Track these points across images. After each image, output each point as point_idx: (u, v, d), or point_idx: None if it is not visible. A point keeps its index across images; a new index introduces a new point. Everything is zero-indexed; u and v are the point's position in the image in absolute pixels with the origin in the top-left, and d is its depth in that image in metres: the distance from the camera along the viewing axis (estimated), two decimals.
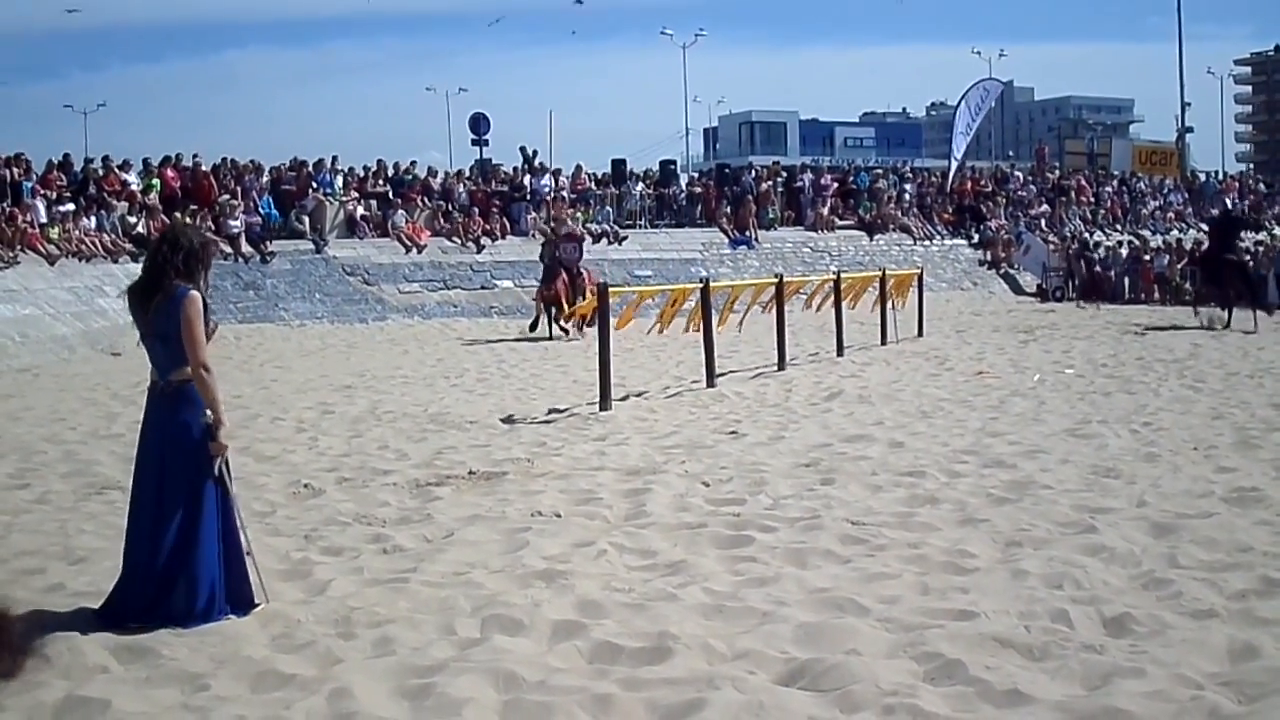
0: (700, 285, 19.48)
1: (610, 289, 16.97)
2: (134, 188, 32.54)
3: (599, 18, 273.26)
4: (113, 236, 30.45)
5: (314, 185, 35.22)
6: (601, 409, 15.29)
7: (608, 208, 39.37)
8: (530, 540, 8.50)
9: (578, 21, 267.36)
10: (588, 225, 37.84)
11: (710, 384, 17.77)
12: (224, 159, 35.49)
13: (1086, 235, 43.77)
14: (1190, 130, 69.09)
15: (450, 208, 36.82)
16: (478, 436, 13.58)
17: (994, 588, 7.14)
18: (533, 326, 28.44)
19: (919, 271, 30.12)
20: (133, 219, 31.18)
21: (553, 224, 33.91)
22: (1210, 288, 27.99)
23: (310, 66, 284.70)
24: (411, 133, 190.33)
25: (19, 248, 27.65)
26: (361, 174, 37.45)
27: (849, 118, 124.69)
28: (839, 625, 6.46)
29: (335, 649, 6.31)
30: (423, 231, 35.52)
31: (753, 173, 44.62)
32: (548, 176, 39.45)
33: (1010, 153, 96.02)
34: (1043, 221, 45.12)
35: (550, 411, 15.44)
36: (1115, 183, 50.91)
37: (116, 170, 32.98)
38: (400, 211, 35.57)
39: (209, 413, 6.75)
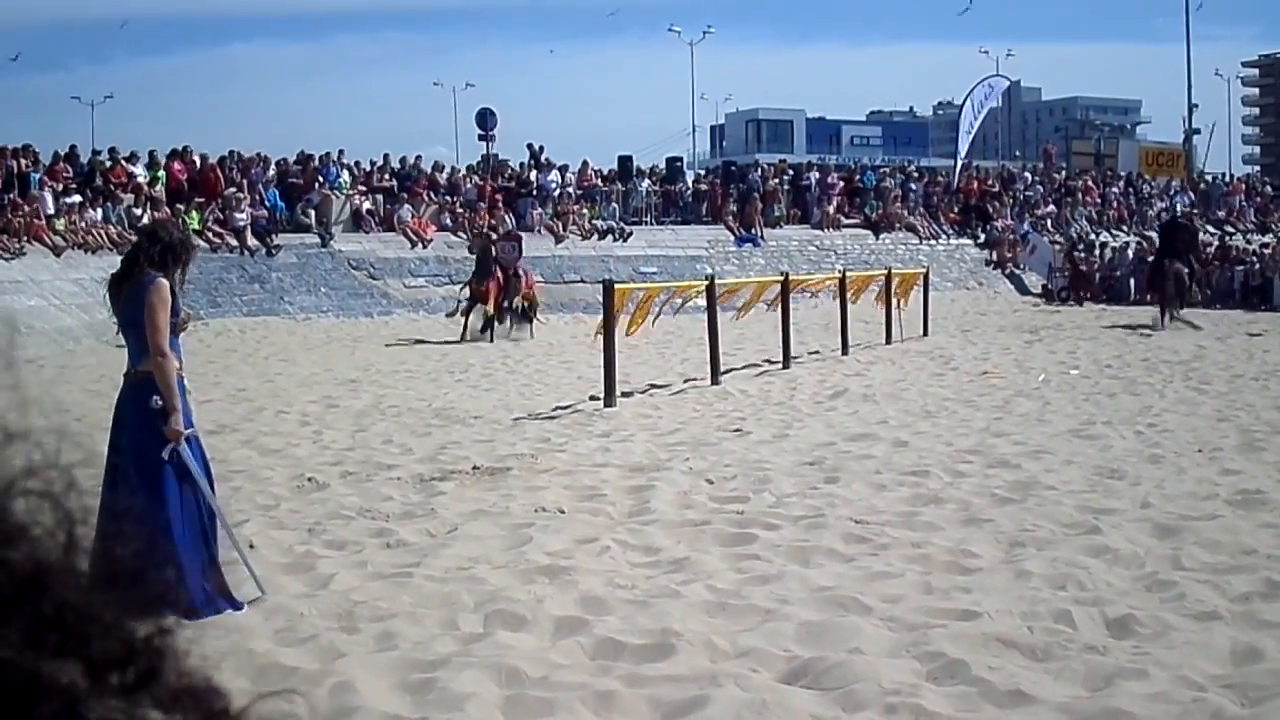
0: (706, 282, 19.48)
1: (616, 286, 16.93)
2: (140, 180, 32.56)
3: (607, 14, 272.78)
4: (119, 228, 30.46)
5: (320, 179, 35.22)
6: (606, 405, 15.29)
7: (614, 204, 39.34)
8: (534, 536, 8.51)
9: (583, 17, 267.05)
10: (594, 221, 37.89)
11: (715, 381, 17.77)
12: (230, 152, 35.53)
13: (1092, 236, 43.71)
14: (1198, 132, 69.02)
15: (456, 203, 36.82)
16: (482, 432, 13.59)
17: (997, 588, 7.14)
18: (483, 328, 26.39)
19: (924, 271, 30.10)
20: (138, 211, 31.19)
21: (488, 225, 32.85)
22: (1150, 290, 29.57)
23: (316, 60, 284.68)
24: (418, 127, 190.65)
25: (25, 239, 27.69)
26: (368, 168, 37.47)
27: (856, 116, 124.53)
28: (842, 624, 6.46)
29: (338, 643, 6.31)
30: (429, 226, 35.52)
31: (759, 170, 44.60)
32: (554, 172, 39.43)
33: (1017, 153, 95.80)
34: (1049, 222, 45.07)
35: (555, 407, 15.45)
36: (1122, 184, 50.85)
37: (123, 162, 33.02)
38: (406, 206, 35.59)
39: (156, 399, 6.72)
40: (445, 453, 12.15)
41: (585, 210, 38.22)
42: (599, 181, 40.58)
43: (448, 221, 35.97)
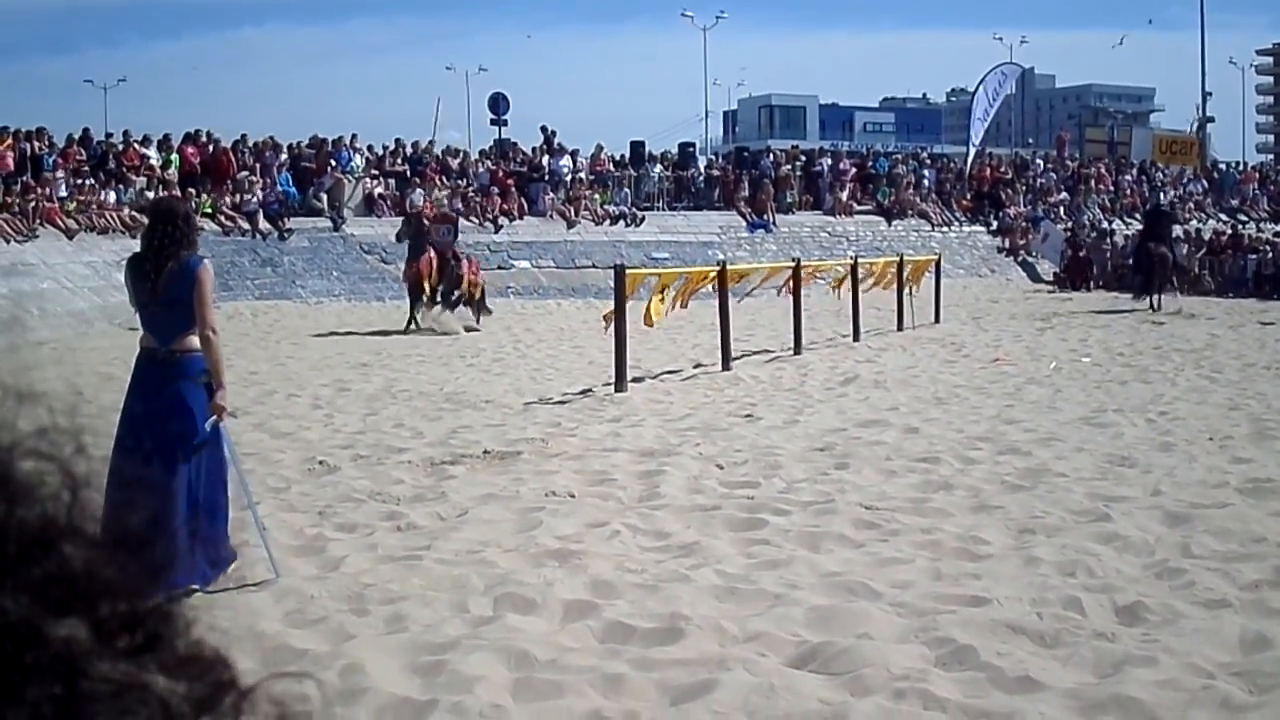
0: (718, 268, 19.47)
1: (628, 271, 16.93)
2: (154, 162, 32.59)
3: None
4: (131, 211, 30.50)
5: (333, 163, 35.22)
6: (617, 390, 15.30)
7: (626, 189, 39.31)
8: (544, 520, 8.53)
9: (596, 2, 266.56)
10: (606, 206, 37.86)
11: (726, 367, 17.78)
12: (243, 136, 35.56)
13: (1104, 223, 43.59)
14: (1211, 120, 68.78)
15: (469, 187, 36.81)
16: (493, 416, 13.60)
17: (1007, 574, 7.14)
18: (411, 310, 25.13)
19: (937, 258, 30.05)
20: (150, 194, 31.22)
21: (429, 203, 30.96)
22: (1136, 275, 30.47)
23: (328, 44, 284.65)
24: (430, 112, 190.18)
25: (38, 221, 27.74)
26: (380, 152, 37.47)
27: (869, 102, 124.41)
28: (851, 609, 6.47)
29: (348, 625, 6.34)
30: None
31: (771, 156, 44.49)
32: (566, 157, 39.39)
33: (1030, 140, 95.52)
34: (1061, 209, 44.97)
35: (565, 392, 15.47)
36: (1135, 171, 50.69)
37: (136, 145, 33.06)
38: (419, 190, 35.56)
39: (202, 376, 6.91)
40: (456, 437, 12.16)
41: (597, 195, 38.18)
42: (611, 167, 40.52)
43: (460, 206, 35.93)
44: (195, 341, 6.95)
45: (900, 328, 24.06)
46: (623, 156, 41.69)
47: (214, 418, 6.93)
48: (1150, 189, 48.65)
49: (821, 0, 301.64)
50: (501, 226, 35.72)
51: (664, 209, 39.84)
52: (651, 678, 5.58)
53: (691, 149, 46.39)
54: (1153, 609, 6.43)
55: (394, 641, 6.08)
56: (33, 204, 27.83)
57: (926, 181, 44.26)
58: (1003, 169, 47.64)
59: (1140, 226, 34.60)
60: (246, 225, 32.02)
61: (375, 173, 36.11)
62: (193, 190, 31.15)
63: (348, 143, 36.49)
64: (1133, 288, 30.66)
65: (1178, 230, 33.63)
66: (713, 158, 51.33)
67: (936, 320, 25.93)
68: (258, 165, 34.11)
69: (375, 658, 5.80)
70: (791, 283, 21.47)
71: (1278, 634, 6.00)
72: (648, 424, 12.98)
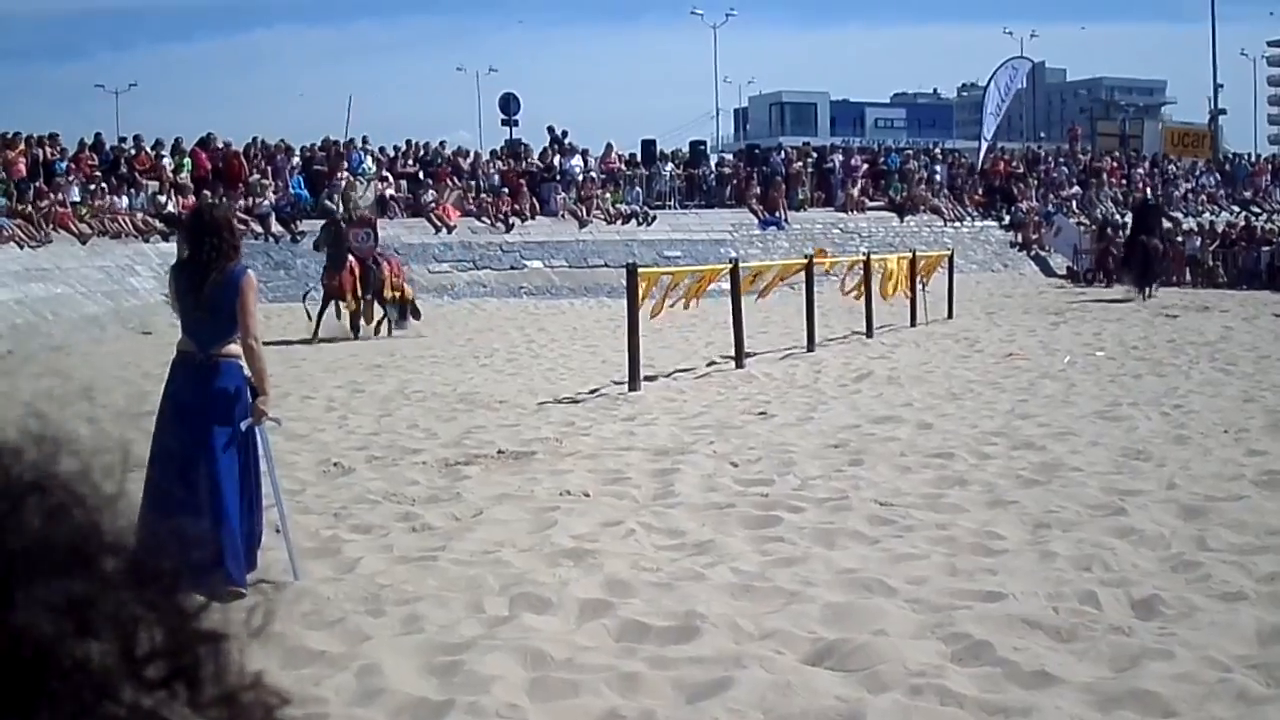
0: (730, 266, 19.46)
1: (640, 270, 16.93)
2: (166, 166, 32.66)
3: None
4: (144, 215, 30.59)
5: (345, 165, 35.24)
6: (630, 389, 15.30)
7: (637, 188, 39.31)
8: (558, 519, 8.54)
9: (606, 3, 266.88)
10: (617, 205, 37.87)
11: (739, 365, 17.77)
12: (254, 139, 35.61)
13: (1116, 217, 43.52)
14: (1224, 112, 68.49)
15: (480, 188, 36.83)
16: (506, 416, 13.61)
17: (1022, 569, 7.14)
18: (351, 325, 24.07)
19: (949, 253, 30.02)
20: (163, 198, 31.31)
21: (340, 204, 27.33)
22: (1126, 267, 31.73)
23: (338, 45, 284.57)
24: (441, 112, 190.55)
25: (51, 226, 27.81)
26: (391, 154, 37.50)
27: (880, 98, 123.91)
28: (866, 606, 6.47)
29: (364, 626, 6.35)
30: (453, 212, 35.52)
31: (783, 153, 44.46)
32: (577, 157, 39.41)
33: (1042, 134, 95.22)
34: (1074, 203, 44.89)
35: (579, 392, 15.48)
36: (1147, 164, 50.58)
37: (148, 150, 33.12)
38: (430, 191, 35.60)
39: (249, 378, 7.11)
40: (470, 437, 12.18)
41: (609, 194, 38.19)
42: (622, 165, 40.52)
43: (471, 207, 35.99)
44: (234, 348, 7.12)
45: (913, 323, 24.03)
46: (634, 155, 41.71)
47: (250, 419, 7.07)
48: (1163, 181, 48.52)
49: None
50: (513, 226, 35.74)
51: (676, 208, 39.85)
52: (667, 676, 5.59)
53: (703, 147, 46.38)
54: (1169, 602, 6.42)
55: (410, 642, 6.10)
56: (45, 209, 27.90)
57: (938, 177, 44.23)
58: (1014, 163, 47.58)
59: (1130, 220, 35.55)
60: (259, 228, 32.05)
61: (387, 174, 36.11)
62: (207, 194, 31.19)
63: (359, 144, 36.52)
64: (1125, 280, 31.58)
65: (1167, 224, 34.28)
66: (724, 155, 51.31)
67: (950, 316, 25.89)
68: (270, 168, 34.16)
69: (391, 658, 5.81)
70: (805, 278, 21.44)
71: None
72: (661, 422, 12.98)
